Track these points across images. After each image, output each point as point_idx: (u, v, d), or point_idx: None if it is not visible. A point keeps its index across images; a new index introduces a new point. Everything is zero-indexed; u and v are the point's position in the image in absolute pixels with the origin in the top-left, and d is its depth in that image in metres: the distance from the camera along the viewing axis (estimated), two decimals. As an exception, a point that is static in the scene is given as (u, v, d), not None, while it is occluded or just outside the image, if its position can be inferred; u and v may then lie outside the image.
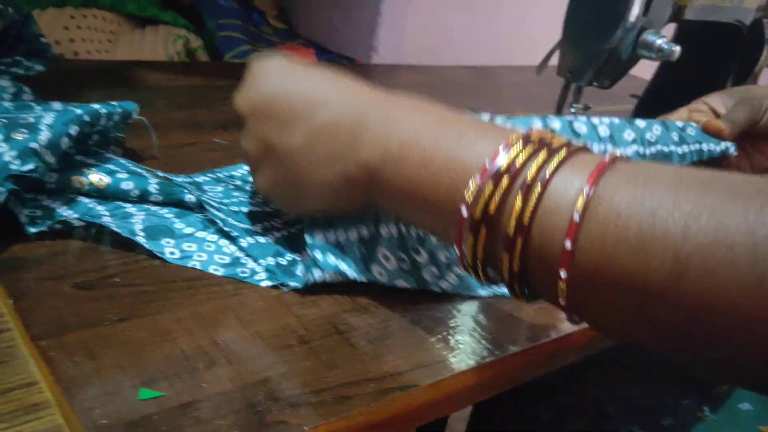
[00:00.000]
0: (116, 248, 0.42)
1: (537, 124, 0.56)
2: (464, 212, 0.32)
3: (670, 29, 0.83)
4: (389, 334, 0.39)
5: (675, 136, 0.61)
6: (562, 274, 0.29)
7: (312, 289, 0.42)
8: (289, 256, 0.44)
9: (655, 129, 0.60)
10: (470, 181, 0.32)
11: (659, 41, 0.70)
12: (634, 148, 0.58)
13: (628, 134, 0.58)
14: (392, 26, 1.02)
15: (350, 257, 0.42)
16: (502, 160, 0.32)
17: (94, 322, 0.35)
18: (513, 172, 0.31)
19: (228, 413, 0.31)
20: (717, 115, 0.67)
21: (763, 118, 0.67)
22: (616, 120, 0.58)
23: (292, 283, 0.41)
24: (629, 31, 0.70)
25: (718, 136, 0.64)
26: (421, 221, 0.37)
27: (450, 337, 0.40)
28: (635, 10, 0.69)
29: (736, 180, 0.28)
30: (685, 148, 0.62)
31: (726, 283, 0.26)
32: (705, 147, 0.63)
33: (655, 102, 0.94)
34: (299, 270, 0.42)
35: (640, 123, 0.59)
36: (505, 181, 0.31)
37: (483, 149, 0.33)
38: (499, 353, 0.40)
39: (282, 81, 0.40)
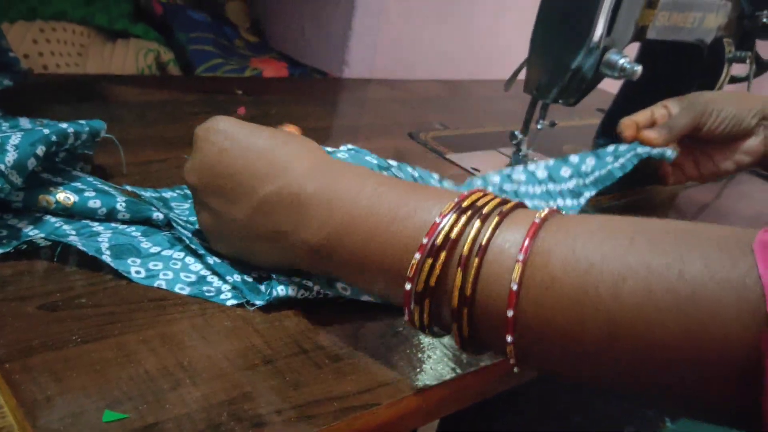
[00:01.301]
0: (82, 268, 0.42)
1: (476, 183, 0.60)
2: (407, 286, 0.34)
3: (634, 48, 0.86)
4: (353, 352, 0.40)
5: (609, 159, 0.65)
6: (508, 338, 0.31)
7: (277, 307, 0.42)
8: (255, 273, 0.44)
9: (589, 160, 0.66)
10: (412, 258, 0.34)
11: (622, 61, 0.72)
12: (573, 182, 0.62)
13: (565, 171, 0.63)
14: (364, 40, 1.03)
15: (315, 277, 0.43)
16: (439, 234, 0.33)
17: (59, 344, 0.35)
18: (449, 244, 0.33)
19: (191, 435, 0.32)
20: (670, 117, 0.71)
21: (707, 123, 0.70)
22: (551, 161, 0.64)
23: (258, 301, 0.42)
24: (593, 50, 0.72)
25: (650, 145, 0.69)
26: (368, 288, 0.39)
27: (413, 354, 0.41)
28: (599, 30, 0.71)
29: (656, 228, 0.30)
30: (621, 161, 0.66)
31: (656, 341, 0.28)
32: (640, 150, 0.68)
33: (620, 116, 0.96)
34: (263, 287, 0.43)
35: (574, 158, 0.66)
36: (442, 255, 0.33)
37: (420, 222, 0.34)
38: (461, 370, 0.41)
39: (224, 154, 0.41)
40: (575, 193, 0.65)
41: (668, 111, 0.73)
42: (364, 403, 0.36)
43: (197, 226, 0.48)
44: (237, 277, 0.43)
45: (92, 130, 0.50)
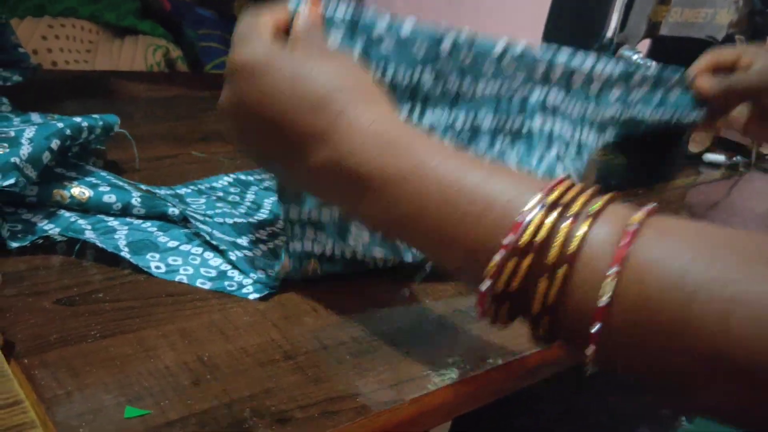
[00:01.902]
0: (99, 263, 0.42)
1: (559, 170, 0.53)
2: (484, 286, 0.30)
3: (644, 45, 0.85)
4: (373, 348, 0.39)
5: (655, 98, 0.61)
6: (589, 349, 0.29)
7: (297, 303, 0.42)
8: (277, 268, 0.44)
9: (637, 92, 0.59)
10: (490, 256, 0.30)
11: (635, 57, 0.71)
12: (614, 109, 0.58)
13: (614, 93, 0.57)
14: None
15: (327, 229, 0.43)
16: (523, 234, 0.29)
17: (77, 339, 0.35)
18: (535, 248, 0.29)
19: (215, 430, 0.31)
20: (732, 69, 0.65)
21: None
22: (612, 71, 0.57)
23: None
24: (606, 46, 0.72)
25: (696, 92, 0.65)
26: (433, 255, 0.35)
27: (433, 351, 0.41)
28: (612, 26, 0.71)
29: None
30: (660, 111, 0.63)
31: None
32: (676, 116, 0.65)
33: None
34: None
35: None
36: (527, 259, 0.29)
37: (500, 216, 0.30)
38: (481, 367, 0.40)
39: (266, 101, 0.35)
40: (602, 127, 0.58)
41: (749, 62, 0.65)
42: (386, 399, 0.36)
43: (216, 219, 0.47)
44: (261, 273, 0.43)
45: (106, 125, 0.49)
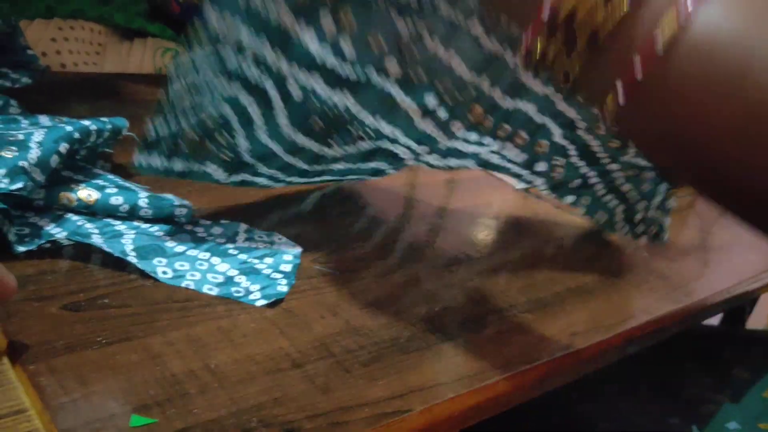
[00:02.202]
0: (105, 267, 0.41)
1: None
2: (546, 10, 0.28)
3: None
4: (382, 356, 0.39)
5: None
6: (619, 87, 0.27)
7: (305, 311, 0.41)
8: (281, 274, 0.44)
9: None
10: None
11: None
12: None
13: None
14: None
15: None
16: None
17: (83, 346, 0.34)
18: None
19: (222, 441, 0.31)
20: None
21: None
22: None
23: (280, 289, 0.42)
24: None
25: None
26: None
27: (442, 359, 0.40)
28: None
29: None
30: None
31: None
32: None
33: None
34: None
35: None
36: None
37: None
38: (490, 377, 0.40)
39: None
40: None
41: None
42: (395, 409, 0.35)
43: (222, 223, 0.47)
44: (269, 272, 0.43)
45: (114, 128, 0.49)
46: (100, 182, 0.46)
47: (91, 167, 0.49)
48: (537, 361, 0.42)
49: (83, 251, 0.42)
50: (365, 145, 0.43)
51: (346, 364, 0.38)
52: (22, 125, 0.53)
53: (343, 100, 0.42)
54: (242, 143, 0.43)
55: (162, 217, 0.46)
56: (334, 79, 0.41)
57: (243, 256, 0.45)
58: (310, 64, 0.40)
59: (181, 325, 0.38)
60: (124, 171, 0.54)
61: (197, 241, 0.45)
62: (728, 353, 0.81)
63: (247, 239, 0.47)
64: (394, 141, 0.42)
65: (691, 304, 0.55)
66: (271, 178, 0.47)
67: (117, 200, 0.44)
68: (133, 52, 0.82)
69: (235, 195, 0.55)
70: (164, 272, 0.41)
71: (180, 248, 0.44)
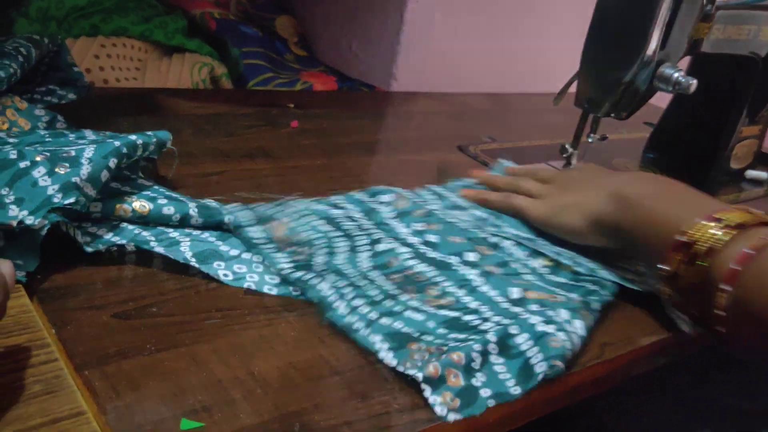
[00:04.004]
0: (149, 278, 0.43)
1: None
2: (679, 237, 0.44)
3: (685, 61, 0.85)
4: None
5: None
6: (727, 287, 0.40)
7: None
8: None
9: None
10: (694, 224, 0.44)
11: (676, 74, 0.71)
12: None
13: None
14: (412, 55, 1.04)
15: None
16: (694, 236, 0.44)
17: (134, 352, 0.36)
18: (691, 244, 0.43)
19: (267, 444, 0.32)
20: None
21: None
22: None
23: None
24: (646, 64, 0.72)
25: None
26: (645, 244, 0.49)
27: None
28: (653, 44, 0.71)
29: None
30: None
31: None
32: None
33: (671, 130, 0.95)
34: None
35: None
36: (690, 250, 0.43)
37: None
38: (526, 387, 0.40)
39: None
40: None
41: None
42: (432, 417, 0.36)
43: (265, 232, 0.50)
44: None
45: (159, 141, 0.51)
46: (150, 193, 0.48)
47: (136, 178, 0.51)
48: (568, 372, 0.43)
49: (126, 261, 0.44)
50: (442, 306, 0.47)
51: (384, 373, 0.39)
52: (69, 139, 0.55)
53: (425, 270, 0.50)
54: (319, 260, 0.49)
55: (211, 225, 0.48)
56: (420, 256, 0.52)
57: None
58: (401, 240, 0.53)
59: (225, 333, 0.39)
60: (166, 182, 0.56)
61: (248, 245, 0.48)
62: (757, 363, 0.81)
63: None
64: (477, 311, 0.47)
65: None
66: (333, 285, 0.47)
67: (169, 210, 0.46)
68: (172, 68, 0.85)
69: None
70: (225, 274, 0.44)
71: (234, 252, 0.47)
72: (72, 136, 0.56)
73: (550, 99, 0.82)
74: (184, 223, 0.47)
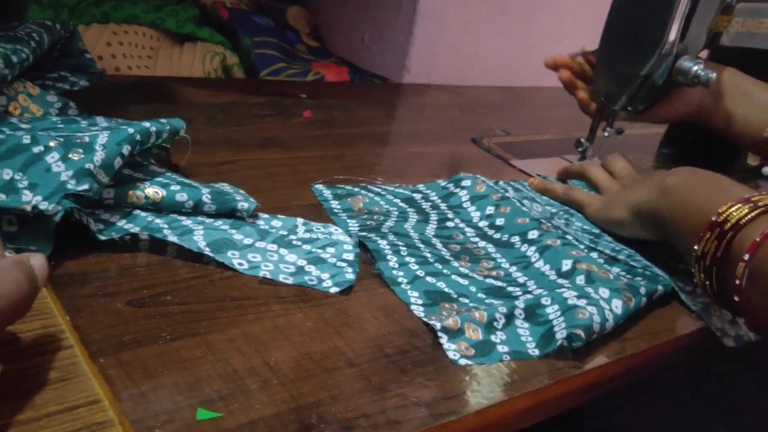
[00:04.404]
0: (163, 266, 0.42)
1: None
2: (713, 218, 0.46)
3: (701, 55, 0.83)
4: (436, 358, 0.40)
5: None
6: (745, 257, 0.42)
7: (357, 311, 0.42)
8: (345, 262, 0.47)
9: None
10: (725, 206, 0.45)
11: (696, 67, 0.70)
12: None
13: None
14: (424, 47, 1.03)
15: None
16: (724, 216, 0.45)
17: (149, 340, 0.36)
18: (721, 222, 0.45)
19: (284, 436, 0.31)
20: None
21: None
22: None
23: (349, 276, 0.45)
24: (665, 57, 0.71)
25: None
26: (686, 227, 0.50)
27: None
28: (671, 37, 0.69)
29: None
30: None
31: None
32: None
33: (686, 126, 0.94)
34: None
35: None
36: (717, 230, 0.45)
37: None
38: (542, 381, 0.40)
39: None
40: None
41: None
42: (450, 410, 0.36)
43: (280, 217, 0.50)
44: (334, 261, 0.46)
45: (172, 129, 0.50)
46: (163, 180, 0.47)
47: (149, 164, 0.51)
48: (588, 367, 0.42)
49: (140, 249, 0.44)
50: (490, 276, 0.50)
51: (401, 365, 0.38)
52: (82, 125, 0.54)
53: (486, 246, 0.55)
54: (388, 224, 0.54)
55: (225, 212, 0.48)
56: (484, 236, 0.56)
57: (307, 247, 0.47)
58: (469, 222, 0.58)
59: (239, 323, 0.39)
60: (179, 170, 0.56)
61: (261, 234, 0.47)
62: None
63: (306, 231, 0.49)
64: (523, 285, 0.50)
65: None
66: (391, 243, 0.51)
67: (182, 197, 0.46)
68: (183, 57, 0.85)
69: (287, 197, 0.56)
70: (240, 263, 0.43)
71: (248, 240, 0.46)
72: (84, 123, 0.55)
73: (564, 93, 0.81)
74: (197, 210, 0.47)
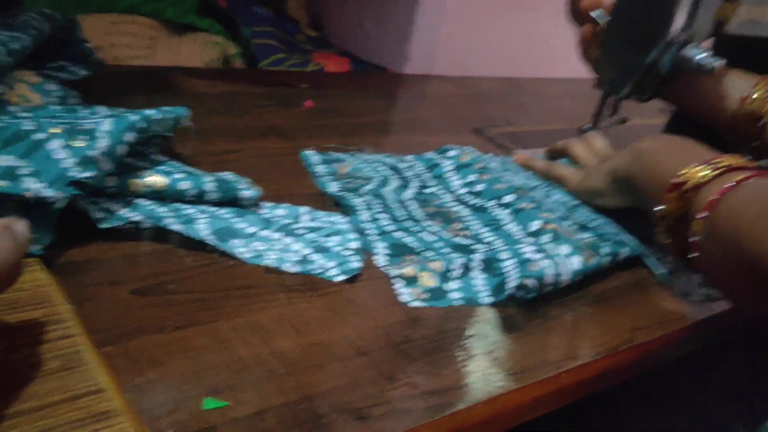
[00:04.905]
0: (168, 254, 0.42)
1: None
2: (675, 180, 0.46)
3: (706, 43, 0.83)
4: (445, 347, 0.39)
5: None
6: (703, 214, 0.42)
7: (364, 299, 0.42)
8: (351, 250, 0.46)
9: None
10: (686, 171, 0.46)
11: (702, 55, 0.69)
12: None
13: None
14: (425, 36, 1.02)
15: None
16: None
17: (154, 329, 0.35)
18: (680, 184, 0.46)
19: (294, 425, 0.31)
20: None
21: None
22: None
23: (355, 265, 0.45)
24: (670, 45, 0.70)
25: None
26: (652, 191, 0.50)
27: (504, 351, 0.40)
28: (677, 24, 0.69)
29: None
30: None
31: None
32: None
33: (688, 118, 0.93)
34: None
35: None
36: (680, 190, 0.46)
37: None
38: (553, 370, 0.39)
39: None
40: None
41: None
42: (460, 398, 0.35)
43: (283, 205, 0.50)
44: (339, 249, 0.46)
45: (176, 117, 0.50)
46: (166, 168, 0.46)
47: (151, 153, 0.50)
48: (599, 356, 0.42)
49: (144, 237, 0.43)
50: (459, 235, 0.52)
51: (410, 353, 0.38)
52: (82, 115, 0.54)
53: (461, 210, 0.57)
54: (367, 187, 0.56)
55: (228, 200, 0.47)
56: (462, 202, 0.58)
57: (311, 235, 0.46)
58: (449, 190, 0.60)
59: (244, 312, 0.38)
60: (182, 159, 0.55)
61: (265, 223, 0.47)
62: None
63: (311, 219, 0.49)
64: (489, 243, 0.52)
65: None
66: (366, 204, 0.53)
67: (185, 185, 0.45)
68: (183, 47, 0.84)
69: (290, 186, 0.55)
70: (244, 252, 0.43)
71: (252, 229, 0.45)
72: (85, 111, 0.54)
73: (567, 84, 0.80)
74: (200, 198, 0.46)
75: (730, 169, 0.45)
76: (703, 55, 0.69)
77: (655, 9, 0.70)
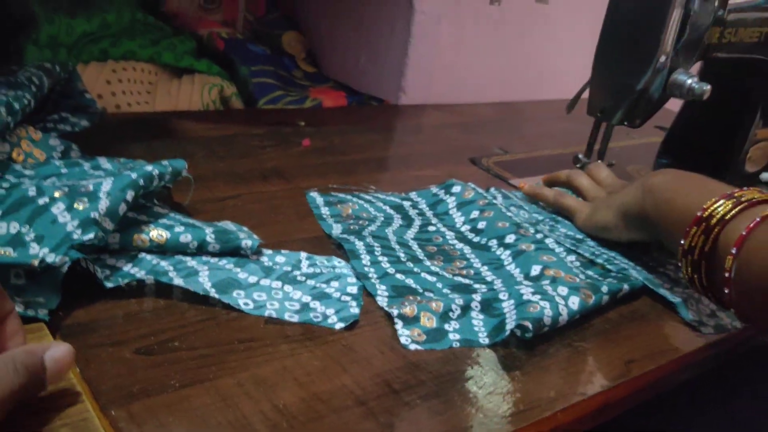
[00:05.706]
0: (170, 310, 0.43)
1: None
2: (698, 213, 0.47)
3: (696, 65, 0.84)
4: (443, 391, 0.40)
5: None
6: (733, 250, 0.44)
7: (363, 346, 0.42)
8: (350, 295, 0.48)
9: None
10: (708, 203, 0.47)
11: (690, 81, 0.70)
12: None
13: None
14: (420, 68, 1.03)
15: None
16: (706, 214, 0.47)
17: (158, 390, 0.36)
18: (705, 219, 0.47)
19: (296, 483, 0.32)
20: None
21: None
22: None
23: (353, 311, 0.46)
24: (659, 71, 0.71)
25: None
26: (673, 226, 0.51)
27: (499, 394, 0.41)
28: (665, 50, 0.70)
29: None
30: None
31: None
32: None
33: (683, 135, 0.94)
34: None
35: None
36: (702, 226, 0.47)
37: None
38: (548, 410, 0.40)
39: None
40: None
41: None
42: (459, 446, 0.36)
43: (283, 252, 0.51)
44: (339, 295, 0.47)
45: (174, 170, 0.51)
46: (166, 221, 0.48)
47: (152, 206, 0.51)
48: (593, 392, 0.43)
49: (146, 292, 0.44)
50: (459, 274, 0.53)
51: (408, 400, 0.39)
52: (85, 168, 0.55)
53: (463, 248, 0.58)
54: (370, 228, 0.57)
55: (228, 250, 0.48)
56: (463, 239, 0.60)
57: (311, 282, 0.48)
58: (452, 227, 0.62)
59: (248, 366, 0.39)
60: (183, 209, 0.56)
61: (266, 271, 0.48)
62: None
63: (310, 265, 0.49)
64: (489, 283, 0.53)
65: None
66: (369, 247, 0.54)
67: (186, 238, 0.46)
68: (182, 90, 0.85)
69: (290, 230, 0.56)
70: (245, 303, 0.44)
71: (252, 279, 0.46)
72: (87, 165, 0.56)
73: (561, 106, 0.81)
74: (201, 249, 0.47)
75: (752, 204, 0.46)
76: (692, 80, 0.71)
77: (642, 35, 0.71)
